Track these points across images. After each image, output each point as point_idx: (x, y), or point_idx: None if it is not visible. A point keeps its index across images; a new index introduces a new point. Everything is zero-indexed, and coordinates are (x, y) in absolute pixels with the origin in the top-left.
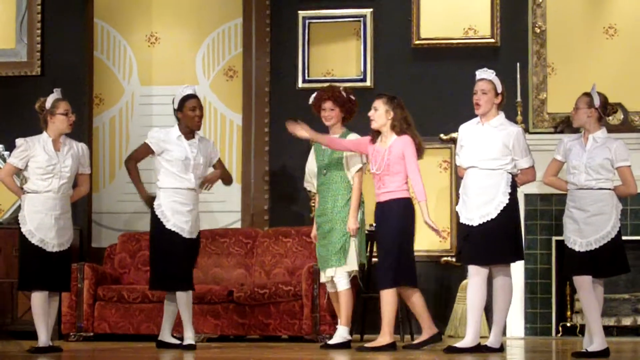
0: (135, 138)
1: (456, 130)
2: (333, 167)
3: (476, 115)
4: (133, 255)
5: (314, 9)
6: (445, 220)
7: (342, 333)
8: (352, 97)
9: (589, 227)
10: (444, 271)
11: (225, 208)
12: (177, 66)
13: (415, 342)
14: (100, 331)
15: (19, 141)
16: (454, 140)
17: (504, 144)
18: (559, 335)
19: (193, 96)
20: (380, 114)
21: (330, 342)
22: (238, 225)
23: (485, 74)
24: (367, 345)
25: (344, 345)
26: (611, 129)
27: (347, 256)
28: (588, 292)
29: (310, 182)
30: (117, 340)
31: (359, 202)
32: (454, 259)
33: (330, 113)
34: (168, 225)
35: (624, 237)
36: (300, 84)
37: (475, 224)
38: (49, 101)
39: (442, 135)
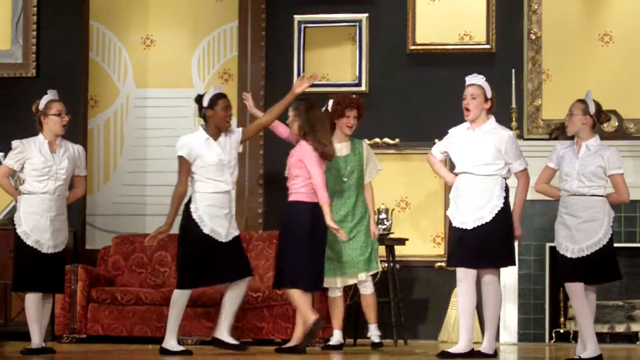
0: (130, 140)
1: None
2: (356, 173)
3: (466, 121)
4: (127, 258)
5: (309, 13)
6: (440, 225)
7: (376, 332)
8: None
9: (580, 233)
10: (438, 276)
11: None
12: (173, 69)
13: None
14: (94, 333)
15: (14, 143)
16: None
17: (497, 148)
18: (552, 341)
19: (225, 95)
20: (290, 120)
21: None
22: None
23: (475, 80)
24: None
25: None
26: (606, 136)
27: (375, 260)
28: (580, 298)
29: None
30: (110, 342)
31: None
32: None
33: (354, 121)
34: (206, 230)
35: (617, 245)
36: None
37: (469, 227)
38: (43, 102)
39: (436, 141)
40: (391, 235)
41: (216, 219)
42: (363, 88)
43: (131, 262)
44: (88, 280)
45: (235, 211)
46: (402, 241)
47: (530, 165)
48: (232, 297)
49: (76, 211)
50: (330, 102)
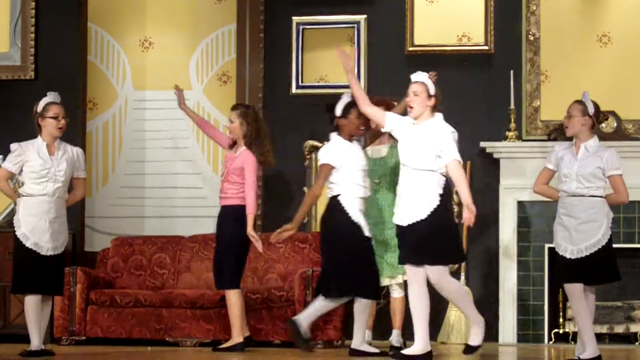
0: (129, 142)
1: None
2: (390, 175)
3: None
4: (126, 260)
5: (308, 14)
6: None
7: (399, 337)
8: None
9: (579, 234)
10: None
11: None
12: (171, 71)
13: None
14: (93, 335)
15: (13, 146)
16: None
17: (437, 145)
18: (552, 342)
19: (356, 104)
20: (235, 126)
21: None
22: None
23: (417, 77)
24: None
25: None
26: (604, 137)
27: None
28: (579, 299)
29: None
30: (110, 344)
31: None
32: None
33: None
34: (366, 232)
35: (616, 245)
36: (294, 90)
37: (405, 224)
38: (41, 104)
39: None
40: None
41: (363, 220)
42: None
43: (130, 264)
44: (87, 282)
45: None
46: None
47: (529, 166)
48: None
49: (75, 213)
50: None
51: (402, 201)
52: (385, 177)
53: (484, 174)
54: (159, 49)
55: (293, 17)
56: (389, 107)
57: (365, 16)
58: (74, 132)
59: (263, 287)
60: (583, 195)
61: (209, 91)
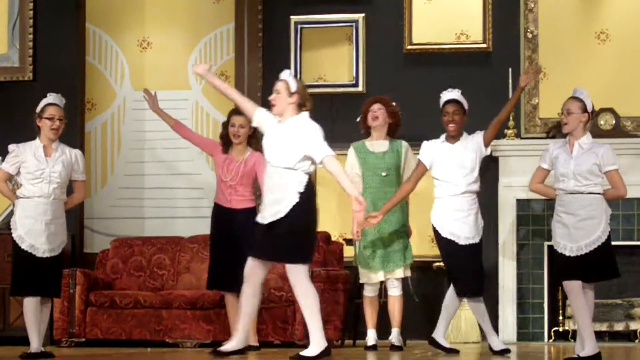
0: (127, 143)
1: None
2: (393, 170)
3: None
4: (125, 261)
5: (306, 14)
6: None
7: (398, 336)
8: (398, 110)
9: (579, 231)
10: (436, 277)
11: None
12: (169, 71)
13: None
14: (92, 337)
15: (11, 147)
16: None
17: (302, 144)
18: (551, 340)
19: (449, 101)
20: (245, 131)
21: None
22: None
23: (281, 75)
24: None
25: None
26: (603, 134)
27: (408, 256)
28: (578, 297)
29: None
30: (109, 345)
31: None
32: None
33: (378, 112)
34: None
35: (615, 243)
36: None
37: (266, 222)
38: (40, 105)
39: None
40: None
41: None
42: (360, 88)
43: (129, 265)
44: (86, 283)
45: None
46: None
47: (528, 163)
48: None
49: (74, 215)
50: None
51: (265, 199)
52: (390, 170)
53: (483, 171)
54: (157, 49)
55: (291, 17)
56: (386, 106)
57: (363, 15)
58: (73, 133)
59: (263, 287)
60: (581, 193)
61: (208, 91)
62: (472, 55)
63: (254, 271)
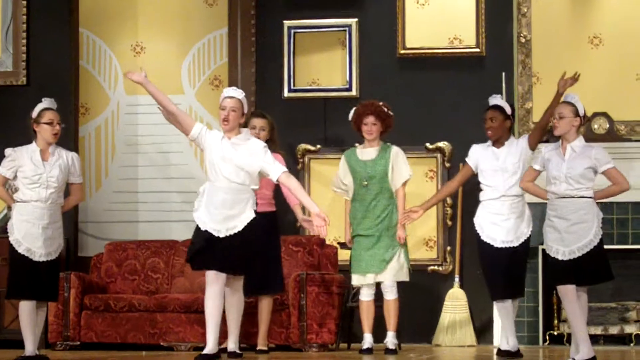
0: (121, 147)
1: (443, 140)
2: (377, 178)
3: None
4: (120, 264)
5: (299, 18)
6: (432, 229)
7: (393, 339)
8: (391, 113)
9: (571, 235)
10: (432, 280)
11: None
12: (163, 75)
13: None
14: (87, 340)
15: (7, 151)
16: (440, 150)
17: (253, 160)
18: (546, 344)
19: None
20: (265, 134)
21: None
22: None
23: (232, 93)
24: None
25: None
26: (597, 139)
27: (400, 267)
28: (572, 301)
29: (339, 188)
30: (104, 349)
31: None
32: (440, 268)
33: (372, 127)
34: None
35: (609, 247)
36: (285, 94)
37: (222, 235)
38: (36, 110)
39: (427, 145)
40: None
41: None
42: (353, 93)
43: (124, 269)
44: (81, 287)
45: None
46: None
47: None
48: None
49: (68, 218)
50: (352, 111)
51: (215, 213)
52: (373, 178)
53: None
54: (151, 54)
55: (284, 21)
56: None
57: (356, 19)
58: (67, 137)
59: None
60: (572, 197)
61: (201, 95)
62: (465, 60)
63: (218, 277)
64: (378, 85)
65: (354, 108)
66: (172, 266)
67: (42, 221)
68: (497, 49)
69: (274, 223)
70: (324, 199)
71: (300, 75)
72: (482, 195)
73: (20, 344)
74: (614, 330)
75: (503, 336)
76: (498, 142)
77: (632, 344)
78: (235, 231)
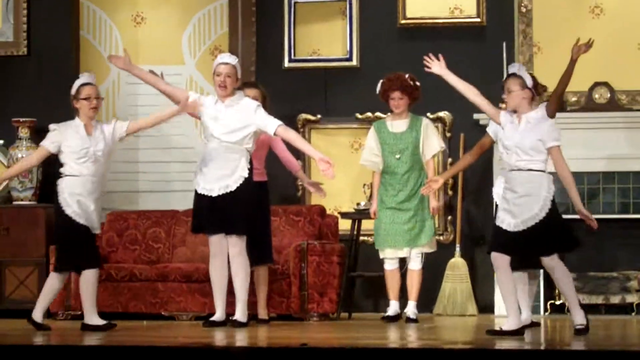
0: (122, 117)
1: (444, 109)
2: (409, 150)
3: None
4: (120, 234)
5: None
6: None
7: (414, 309)
8: (418, 84)
9: (517, 208)
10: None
11: None
12: (163, 46)
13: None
14: None
15: (51, 126)
16: (440, 119)
17: (247, 119)
18: (548, 313)
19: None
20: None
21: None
22: None
23: (229, 59)
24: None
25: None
26: (598, 108)
27: (425, 237)
28: (506, 271)
29: (370, 160)
30: (105, 318)
31: None
32: (441, 237)
33: (399, 102)
34: None
35: (611, 216)
36: (286, 64)
37: (214, 194)
38: (74, 87)
39: (428, 114)
40: None
41: None
42: (354, 63)
43: (125, 238)
44: None
45: None
46: None
47: None
48: None
49: None
50: (379, 84)
51: (208, 173)
52: (405, 151)
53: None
54: (151, 24)
55: None
56: (404, 87)
57: None
58: (67, 108)
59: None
60: (521, 169)
61: (202, 65)
62: (466, 30)
63: (222, 244)
64: (379, 55)
65: (381, 81)
66: (173, 236)
67: (94, 194)
68: (498, 18)
69: (265, 193)
70: None
71: (300, 45)
72: (501, 164)
73: (22, 314)
74: (615, 299)
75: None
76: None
77: (633, 314)
78: (228, 190)
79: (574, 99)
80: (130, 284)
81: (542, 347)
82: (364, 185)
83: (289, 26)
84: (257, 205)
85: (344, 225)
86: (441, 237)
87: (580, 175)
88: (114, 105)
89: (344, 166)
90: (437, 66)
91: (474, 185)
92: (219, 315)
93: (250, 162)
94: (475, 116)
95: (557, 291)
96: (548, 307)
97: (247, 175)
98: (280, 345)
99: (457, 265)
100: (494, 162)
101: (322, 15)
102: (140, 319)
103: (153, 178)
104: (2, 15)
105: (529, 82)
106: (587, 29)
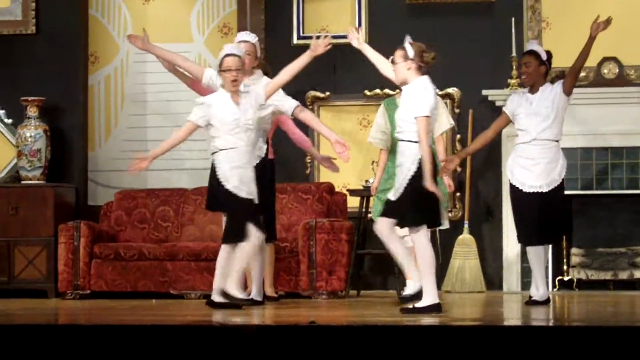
0: (131, 96)
1: (453, 86)
2: None
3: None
4: (129, 213)
5: None
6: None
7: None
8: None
9: (394, 177)
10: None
11: None
12: (172, 23)
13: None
14: (97, 289)
15: (198, 100)
16: (449, 96)
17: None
18: (556, 289)
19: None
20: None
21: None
22: None
23: (248, 36)
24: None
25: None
26: (606, 83)
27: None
28: (390, 238)
29: (378, 138)
30: (114, 297)
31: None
32: (450, 214)
33: None
34: None
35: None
36: (295, 41)
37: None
38: (219, 57)
39: (437, 91)
40: None
41: None
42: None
43: (133, 217)
44: (91, 236)
45: None
46: None
47: None
48: None
49: (78, 167)
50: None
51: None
52: None
53: (486, 121)
54: (160, 2)
55: None
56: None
57: None
58: (76, 86)
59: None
60: (400, 140)
61: (210, 43)
62: (474, 6)
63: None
64: (387, 32)
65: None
66: (182, 214)
67: (251, 164)
68: None
69: (272, 171)
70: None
71: (309, 22)
72: (516, 140)
73: (31, 293)
74: (623, 275)
75: (533, 284)
76: (533, 88)
77: None
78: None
79: (582, 74)
80: (139, 262)
81: (551, 324)
82: (373, 162)
83: (297, 3)
84: (264, 184)
85: (353, 202)
86: (450, 214)
87: (589, 151)
88: (123, 83)
89: (352, 143)
90: (355, 40)
91: (481, 161)
92: (254, 292)
93: (267, 142)
94: (484, 92)
95: (565, 267)
96: (556, 283)
97: (263, 155)
98: (289, 323)
99: (466, 241)
100: (502, 139)
101: None
102: (149, 297)
103: (161, 156)
104: None
105: (411, 53)
106: (595, 4)
